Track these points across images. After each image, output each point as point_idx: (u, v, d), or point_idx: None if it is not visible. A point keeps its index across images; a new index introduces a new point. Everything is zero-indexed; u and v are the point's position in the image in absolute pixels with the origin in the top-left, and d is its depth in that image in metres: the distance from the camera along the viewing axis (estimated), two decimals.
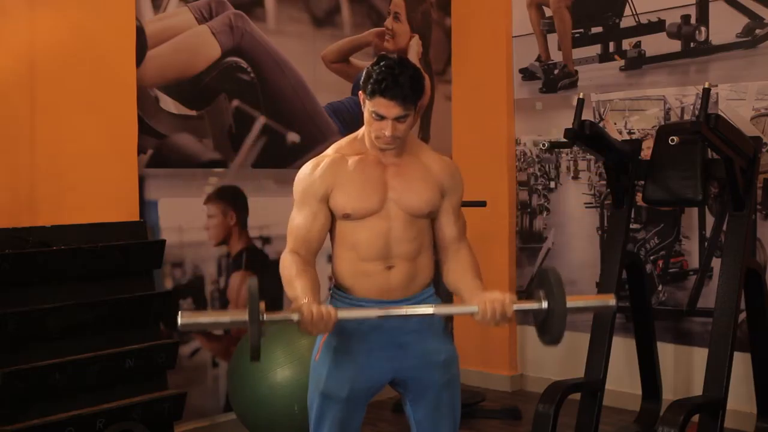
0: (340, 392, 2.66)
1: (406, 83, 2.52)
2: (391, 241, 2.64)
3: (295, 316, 2.40)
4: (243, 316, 2.34)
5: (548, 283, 2.48)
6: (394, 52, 5.42)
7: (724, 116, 4.30)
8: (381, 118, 2.54)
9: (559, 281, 2.48)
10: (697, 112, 4.76)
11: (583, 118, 4.00)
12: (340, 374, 2.66)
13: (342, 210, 2.62)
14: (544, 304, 2.48)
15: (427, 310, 2.54)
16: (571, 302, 2.47)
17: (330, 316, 2.41)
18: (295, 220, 2.68)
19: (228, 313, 2.55)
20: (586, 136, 4.11)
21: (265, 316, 2.33)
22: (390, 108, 2.52)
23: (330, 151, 2.69)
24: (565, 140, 4.10)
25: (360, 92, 2.59)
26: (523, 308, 2.55)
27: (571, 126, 3.97)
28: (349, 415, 2.70)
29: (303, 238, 2.64)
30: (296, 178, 2.70)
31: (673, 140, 3.71)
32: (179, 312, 2.38)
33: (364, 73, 2.59)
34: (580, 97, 4.16)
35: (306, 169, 2.68)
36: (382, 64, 2.54)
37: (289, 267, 2.60)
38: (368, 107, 2.57)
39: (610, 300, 2.62)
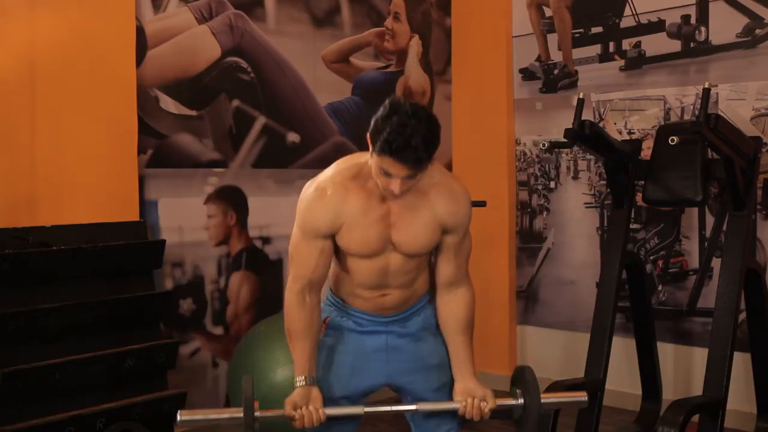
0: (333, 393, 2.68)
1: (420, 145, 2.33)
2: (388, 275, 2.63)
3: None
4: (239, 413, 2.52)
5: (524, 381, 2.66)
6: (394, 52, 5.43)
7: (724, 116, 4.29)
8: (389, 174, 2.40)
9: (534, 379, 2.65)
10: (697, 112, 4.76)
11: (583, 118, 3.99)
12: (334, 376, 2.69)
13: (346, 248, 2.58)
14: (521, 401, 2.66)
15: (410, 407, 2.68)
16: (545, 398, 2.68)
17: (319, 417, 2.53)
18: (301, 250, 2.59)
19: (226, 411, 2.67)
20: (586, 136, 4.11)
21: (258, 413, 2.51)
22: (399, 169, 2.37)
23: (334, 175, 2.56)
24: (565, 140, 4.09)
25: (368, 135, 2.43)
26: (503, 404, 2.68)
27: (571, 126, 3.97)
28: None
29: (311, 272, 2.58)
30: (302, 203, 2.59)
31: (673, 140, 3.70)
32: (178, 411, 2.53)
33: (372, 121, 2.40)
34: (580, 97, 4.16)
35: (311, 197, 2.55)
36: (393, 119, 2.34)
37: (296, 317, 2.57)
38: (376, 160, 2.40)
39: (583, 397, 2.82)
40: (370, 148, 2.41)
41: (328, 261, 2.60)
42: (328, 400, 2.65)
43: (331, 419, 2.61)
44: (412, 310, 2.73)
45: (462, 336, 2.67)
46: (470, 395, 2.60)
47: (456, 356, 2.68)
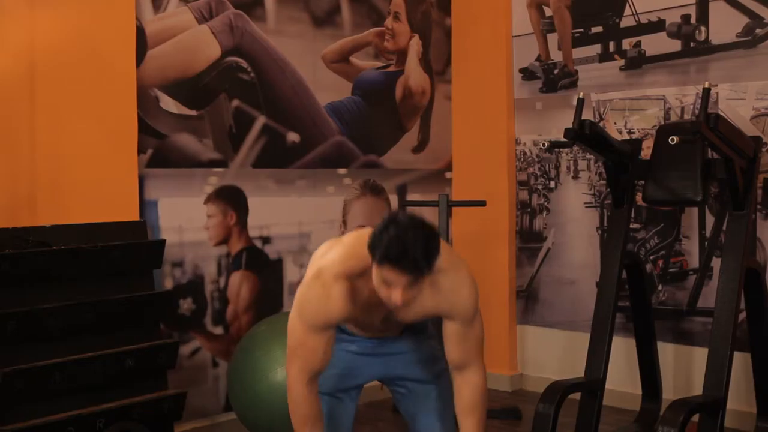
0: (326, 388, 2.77)
1: (419, 253, 2.32)
2: (388, 326, 2.76)
3: None
4: None
5: None
6: (394, 52, 5.43)
7: (724, 116, 4.29)
8: (390, 283, 2.38)
9: None
10: (697, 112, 4.77)
11: (583, 117, 4.00)
12: (327, 372, 2.72)
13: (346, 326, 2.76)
14: None
15: None
16: None
17: None
18: (307, 343, 2.56)
19: None
20: (586, 135, 4.11)
21: None
22: (400, 277, 2.35)
23: (339, 268, 2.54)
24: (565, 140, 4.10)
25: (368, 248, 2.41)
26: None
27: (571, 126, 3.97)
28: (338, 408, 2.82)
29: (318, 363, 2.60)
30: (305, 297, 2.57)
31: (673, 140, 3.70)
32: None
33: (371, 235, 2.39)
34: (580, 96, 4.16)
35: (316, 294, 2.54)
36: (391, 230, 2.33)
37: (309, 406, 2.60)
38: (377, 272, 2.39)
39: None
40: (372, 261, 2.40)
41: (332, 347, 2.61)
42: (324, 393, 2.75)
43: (332, 400, 2.77)
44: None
45: (467, 419, 2.68)
46: None
47: None
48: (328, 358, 2.60)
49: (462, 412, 2.69)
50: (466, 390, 2.67)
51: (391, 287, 2.37)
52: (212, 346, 4.59)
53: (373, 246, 2.36)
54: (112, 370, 3.73)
